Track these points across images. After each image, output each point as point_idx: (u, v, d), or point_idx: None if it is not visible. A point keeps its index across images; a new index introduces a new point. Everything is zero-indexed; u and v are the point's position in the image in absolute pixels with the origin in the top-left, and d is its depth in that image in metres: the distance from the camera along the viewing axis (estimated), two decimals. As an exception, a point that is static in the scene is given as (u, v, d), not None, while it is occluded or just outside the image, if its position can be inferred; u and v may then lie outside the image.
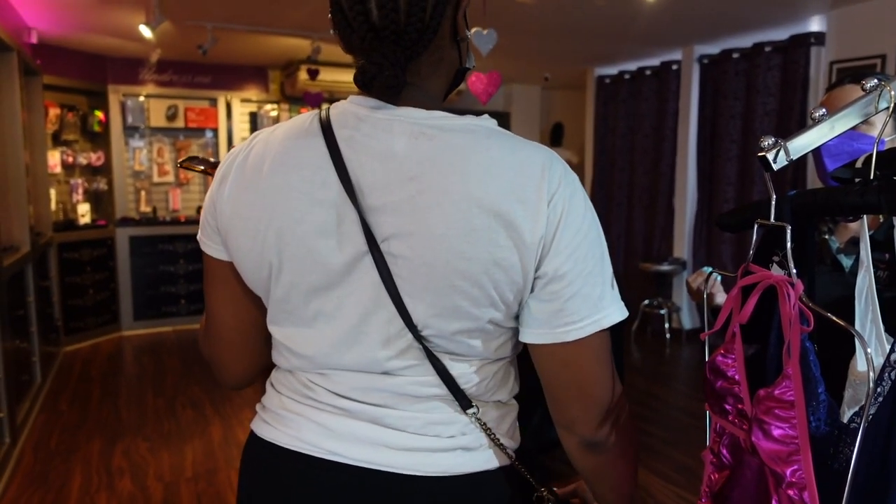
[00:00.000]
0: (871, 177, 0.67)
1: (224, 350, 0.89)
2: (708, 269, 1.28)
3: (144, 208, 5.68)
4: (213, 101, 5.87)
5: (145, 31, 3.78)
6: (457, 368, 0.77)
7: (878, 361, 0.68)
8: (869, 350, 0.58)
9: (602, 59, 5.86)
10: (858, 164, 0.78)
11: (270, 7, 3.99)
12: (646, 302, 5.35)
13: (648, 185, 5.68)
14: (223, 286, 0.84)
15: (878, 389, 0.65)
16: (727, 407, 0.75)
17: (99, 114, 5.36)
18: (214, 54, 4.92)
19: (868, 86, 0.67)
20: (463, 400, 0.77)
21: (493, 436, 0.79)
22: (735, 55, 4.82)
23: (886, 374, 0.63)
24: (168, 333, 5.47)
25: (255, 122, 6.03)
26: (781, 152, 0.65)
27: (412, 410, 0.77)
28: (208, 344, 0.90)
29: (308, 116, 0.78)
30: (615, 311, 0.74)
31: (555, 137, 7.12)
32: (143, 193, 5.68)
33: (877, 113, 0.73)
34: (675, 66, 5.31)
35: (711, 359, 0.76)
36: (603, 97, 6.14)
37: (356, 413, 0.78)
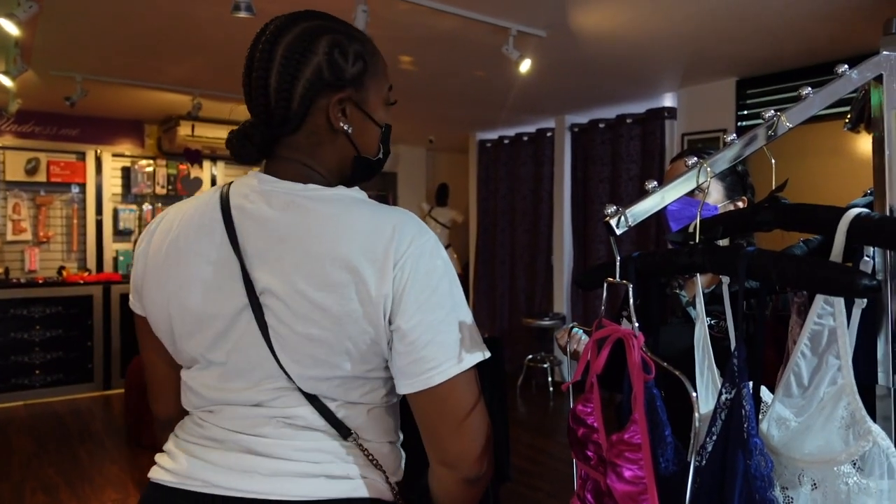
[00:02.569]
0: (697, 240, 0.77)
1: (159, 390, 1.02)
2: (569, 325, 1.37)
3: (-5, 269, 5.16)
4: (81, 155, 5.53)
5: (5, 80, 3.53)
6: (327, 404, 0.85)
7: (712, 405, 0.76)
8: (694, 394, 0.65)
9: (483, 125, 6.19)
10: (690, 230, 0.88)
11: (148, 62, 3.88)
12: (529, 357, 5.52)
13: (528, 243, 5.97)
14: (149, 338, 0.96)
15: (713, 429, 0.72)
16: (589, 454, 0.80)
17: (-56, 166, 4.88)
18: (84, 106, 4.66)
19: (689, 163, 0.77)
20: (341, 429, 0.85)
21: (377, 465, 0.86)
22: (601, 125, 5.28)
23: (718, 415, 0.71)
24: (18, 409, 4.90)
25: (128, 178, 5.73)
26: (622, 218, 0.73)
27: (284, 438, 0.85)
28: (147, 385, 1.04)
29: (214, 189, 0.92)
30: (475, 353, 0.83)
31: (440, 197, 7.33)
32: (-7, 253, 5.17)
33: (702, 183, 0.84)
34: (549, 133, 5.71)
35: (573, 408, 0.81)
36: (484, 160, 6.45)
37: (233, 444, 0.85)
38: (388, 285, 0.79)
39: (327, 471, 0.84)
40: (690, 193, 0.87)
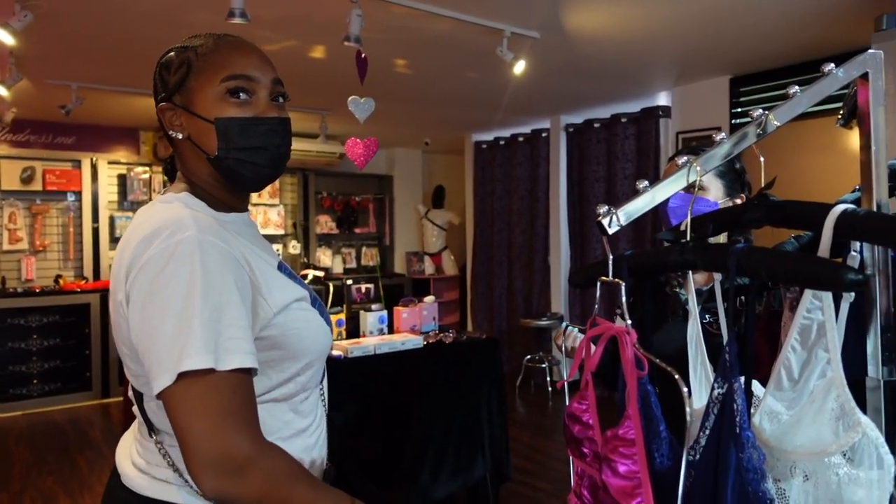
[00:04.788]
0: (688, 238, 0.78)
1: None
2: (564, 324, 1.39)
3: (-8, 278, 5.15)
4: (77, 163, 5.53)
5: (0, 90, 3.53)
6: (144, 399, 0.91)
7: (706, 400, 0.77)
8: (686, 389, 0.66)
9: (478, 126, 6.20)
10: (682, 228, 0.90)
11: (143, 69, 3.88)
12: (528, 357, 5.53)
13: (525, 244, 5.98)
14: None
15: (706, 423, 0.73)
16: (585, 450, 0.81)
17: (-61, 176, 4.87)
18: (79, 114, 4.67)
19: (680, 162, 0.79)
20: (150, 425, 0.90)
21: (172, 466, 0.87)
22: (596, 124, 5.30)
23: (711, 410, 0.72)
24: (16, 419, 4.89)
25: (124, 185, 5.74)
26: (614, 218, 0.74)
27: (136, 428, 0.96)
28: None
29: None
30: (189, 363, 0.75)
31: (436, 200, 7.34)
32: (-10, 262, 5.16)
33: (697, 180, 0.85)
34: (544, 134, 5.72)
35: (569, 406, 0.82)
36: (480, 162, 6.46)
37: None
38: (122, 293, 0.83)
39: (136, 461, 0.92)
40: (689, 191, 0.88)
